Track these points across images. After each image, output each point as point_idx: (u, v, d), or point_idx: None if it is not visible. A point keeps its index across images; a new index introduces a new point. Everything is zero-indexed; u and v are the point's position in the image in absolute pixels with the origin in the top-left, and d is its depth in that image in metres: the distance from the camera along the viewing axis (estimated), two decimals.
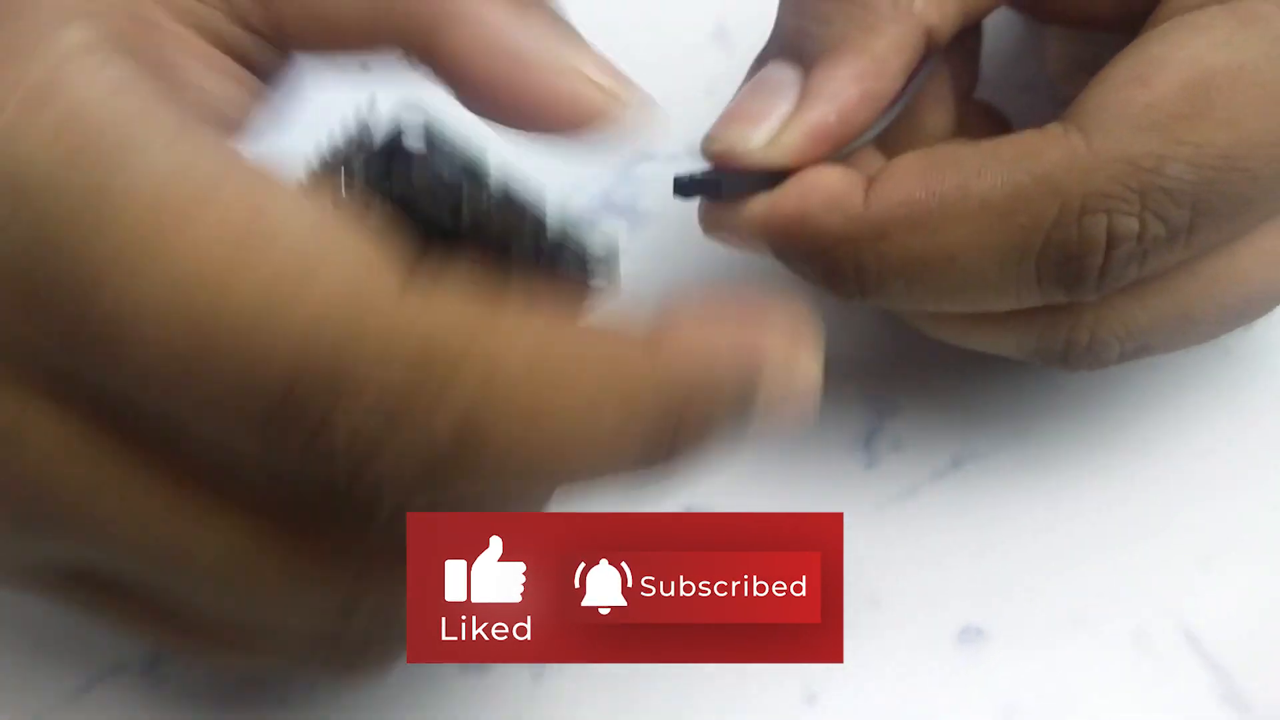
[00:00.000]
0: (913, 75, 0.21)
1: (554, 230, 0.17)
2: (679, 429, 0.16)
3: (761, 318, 0.17)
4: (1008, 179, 0.19)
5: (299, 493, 0.16)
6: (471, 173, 0.17)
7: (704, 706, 0.24)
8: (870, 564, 0.25)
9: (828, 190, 0.20)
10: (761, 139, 0.21)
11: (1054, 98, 0.26)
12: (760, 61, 0.22)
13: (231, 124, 0.19)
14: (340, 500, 0.16)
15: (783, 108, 0.21)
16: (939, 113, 0.23)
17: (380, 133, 0.17)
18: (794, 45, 0.21)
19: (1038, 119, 0.21)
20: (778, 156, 0.21)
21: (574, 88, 0.18)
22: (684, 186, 0.21)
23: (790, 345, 0.17)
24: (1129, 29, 0.21)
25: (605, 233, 0.18)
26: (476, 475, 0.15)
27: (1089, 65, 0.22)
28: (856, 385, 0.26)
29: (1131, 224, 0.19)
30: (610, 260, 0.18)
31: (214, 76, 0.18)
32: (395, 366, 0.14)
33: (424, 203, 0.16)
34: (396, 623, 0.17)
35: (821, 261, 0.21)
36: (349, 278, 0.15)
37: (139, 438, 0.16)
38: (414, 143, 0.16)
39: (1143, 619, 0.24)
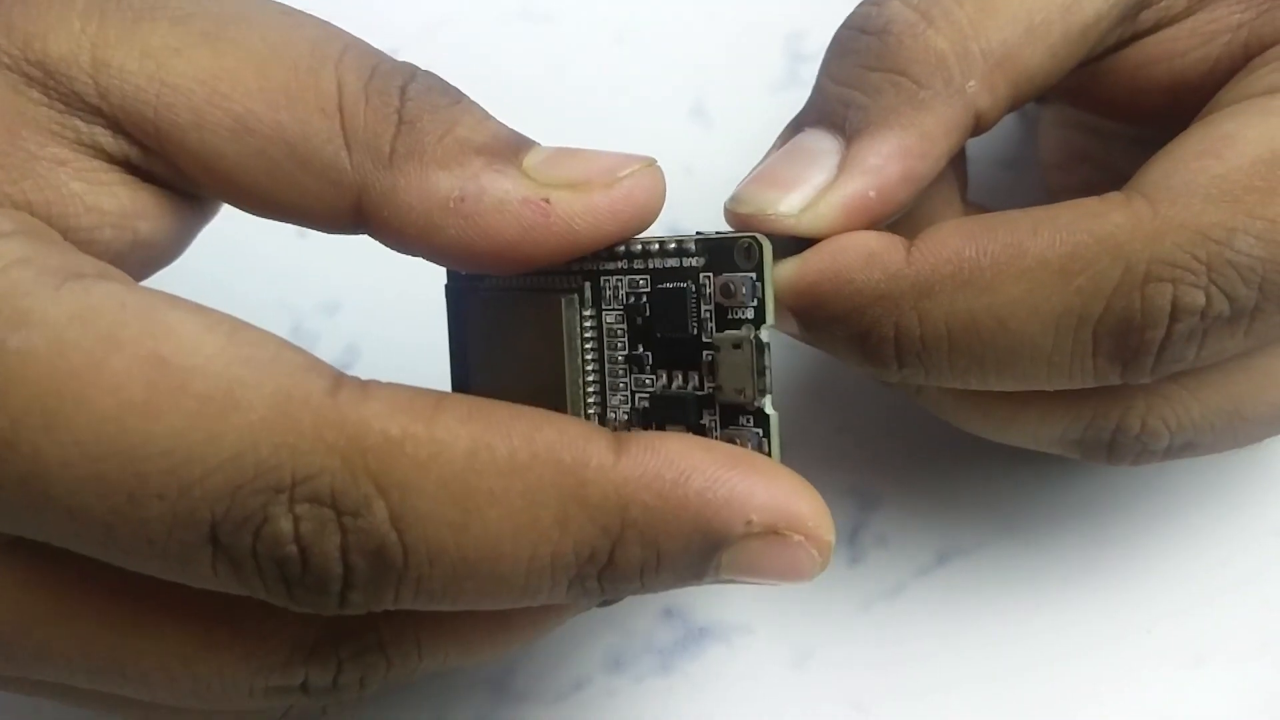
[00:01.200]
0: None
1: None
2: (615, 558, 0.16)
3: (756, 475, 0.16)
4: (1067, 238, 0.18)
5: (244, 590, 0.16)
6: None
7: None
8: (855, 666, 0.24)
9: (865, 246, 0.19)
10: (794, 205, 0.19)
11: (1046, 187, 0.26)
12: (795, 127, 0.21)
13: (147, 240, 0.18)
14: (288, 594, 0.15)
15: (819, 177, 0.20)
16: (946, 211, 0.22)
17: None
18: (836, 114, 0.20)
19: (1022, 199, 0.21)
20: (810, 224, 0.19)
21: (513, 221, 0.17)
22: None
23: (779, 518, 0.16)
24: (1172, 123, 0.20)
25: None
26: (416, 570, 0.15)
27: (1089, 156, 0.22)
28: (840, 478, 0.26)
29: (1197, 297, 0.18)
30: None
31: (106, 192, 0.17)
32: (334, 457, 0.15)
33: None
34: (350, 699, 0.17)
35: (857, 324, 0.19)
36: (277, 386, 0.15)
37: (71, 569, 0.16)
38: None
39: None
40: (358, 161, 0.17)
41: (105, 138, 0.17)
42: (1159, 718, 0.24)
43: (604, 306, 0.18)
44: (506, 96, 0.32)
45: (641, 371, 0.18)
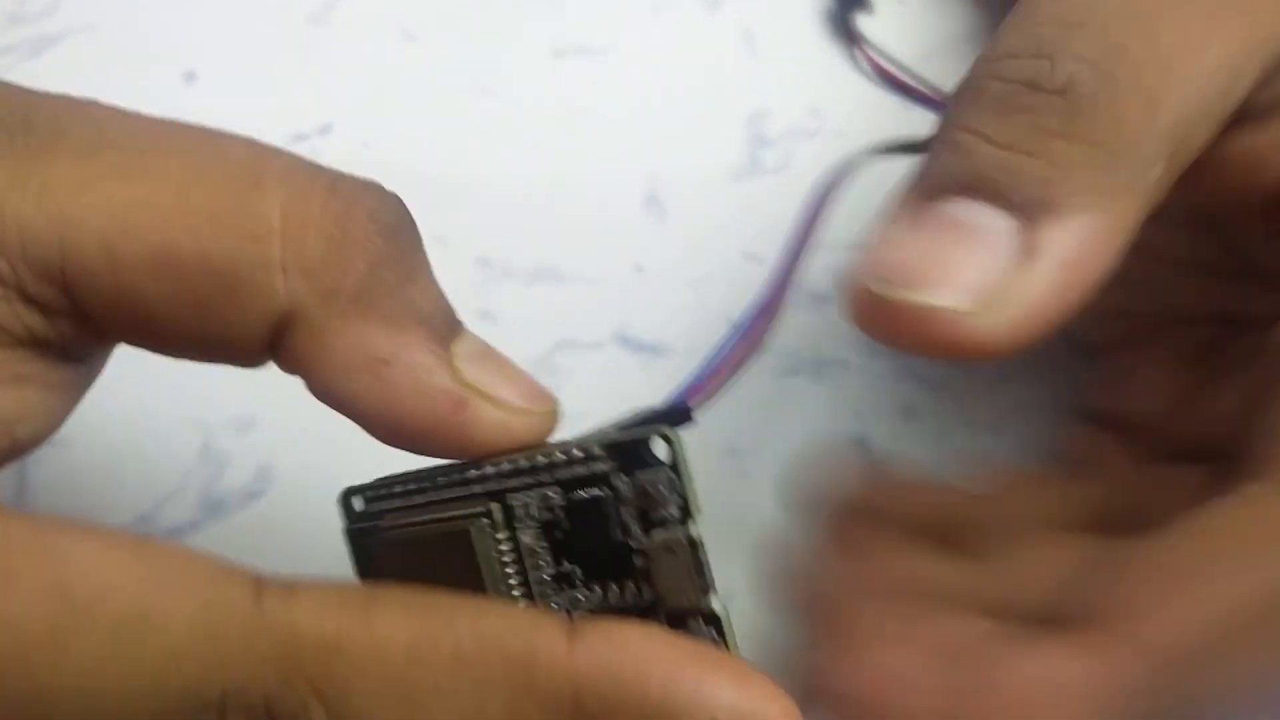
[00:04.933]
0: None
1: None
2: None
3: (716, 668, 0.15)
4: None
5: None
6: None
7: None
8: None
9: None
10: (966, 298, 0.16)
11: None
12: (925, 193, 0.17)
13: (24, 442, 0.17)
14: None
15: (993, 263, 0.16)
16: None
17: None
18: (1000, 185, 0.16)
19: None
20: (990, 326, 0.16)
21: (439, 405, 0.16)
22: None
23: (745, 710, 0.15)
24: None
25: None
26: None
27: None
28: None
29: None
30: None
31: None
32: (266, 665, 0.14)
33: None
34: None
35: None
36: (195, 602, 0.14)
37: None
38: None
39: None
40: (293, 289, 0.16)
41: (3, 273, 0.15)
42: None
43: (517, 526, 0.17)
44: (451, 173, 0.31)
45: (573, 588, 0.17)
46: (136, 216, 0.15)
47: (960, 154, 0.17)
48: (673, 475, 0.16)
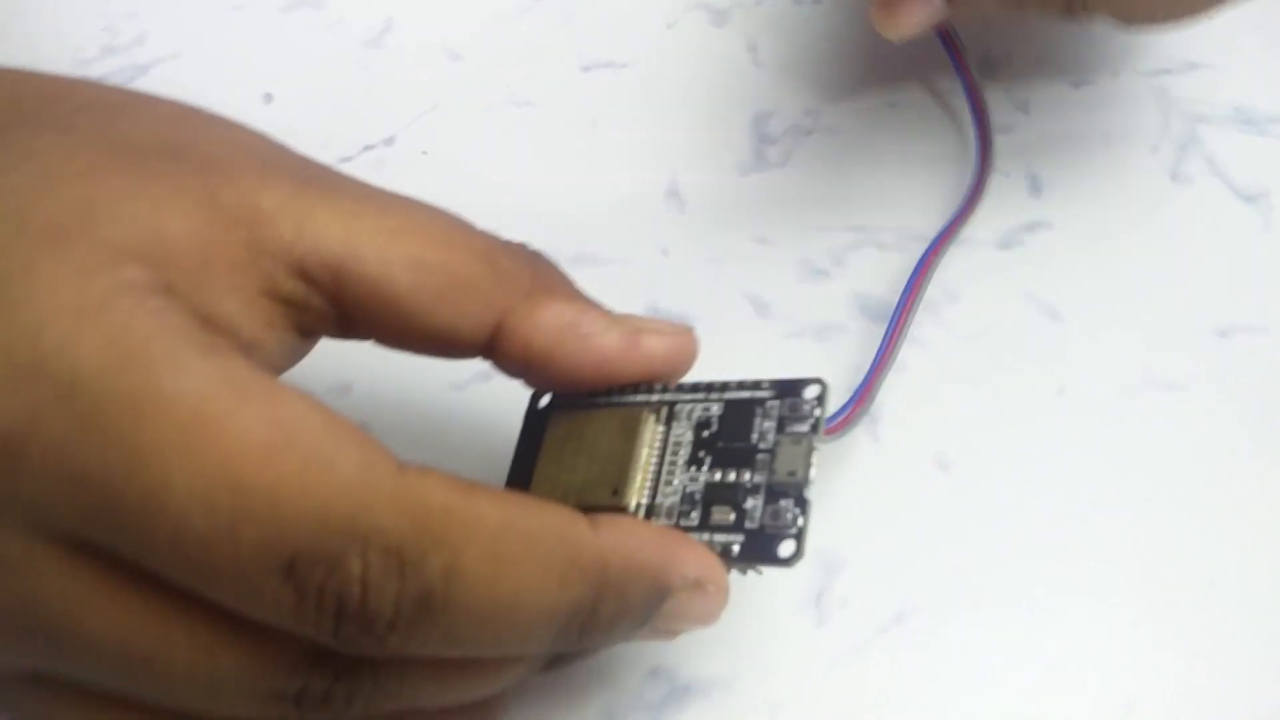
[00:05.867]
0: None
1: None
2: (596, 608, 0.20)
3: (685, 545, 0.22)
4: None
5: (289, 619, 0.18)
6: None
7: None
8: (820, 715, 0.26)
9: None
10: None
11: None
12: None
13: (267, 362, 0.21)
14: (334, 629, 0.18)
15: None
16: None
17: None
18: None
19: None
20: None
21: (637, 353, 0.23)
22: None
23: (703, 574, 0.21)
24: None
25: None
26: (450, 616, 0.18)
27: None
28: (810, 544, 0.28)
29: None
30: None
31: (261, 325, 0.21)
32: (404, 519, 0.18)
33: None
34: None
35: None
36: (361, 459, 0.18)
37: (136, 579, 0.18)
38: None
39: None
40: (504, 291, 0.22)
41: (283, 277, 0.21)
42: None
43: (674, 423, 0.23)
44: (499, 175, 0.35)
45: (698, 468, 0.23)
46: (401, 236, 0.21)
47: None
48: (815, 405, 0.22)
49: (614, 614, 0.20)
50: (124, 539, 0.18)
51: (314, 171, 0.22)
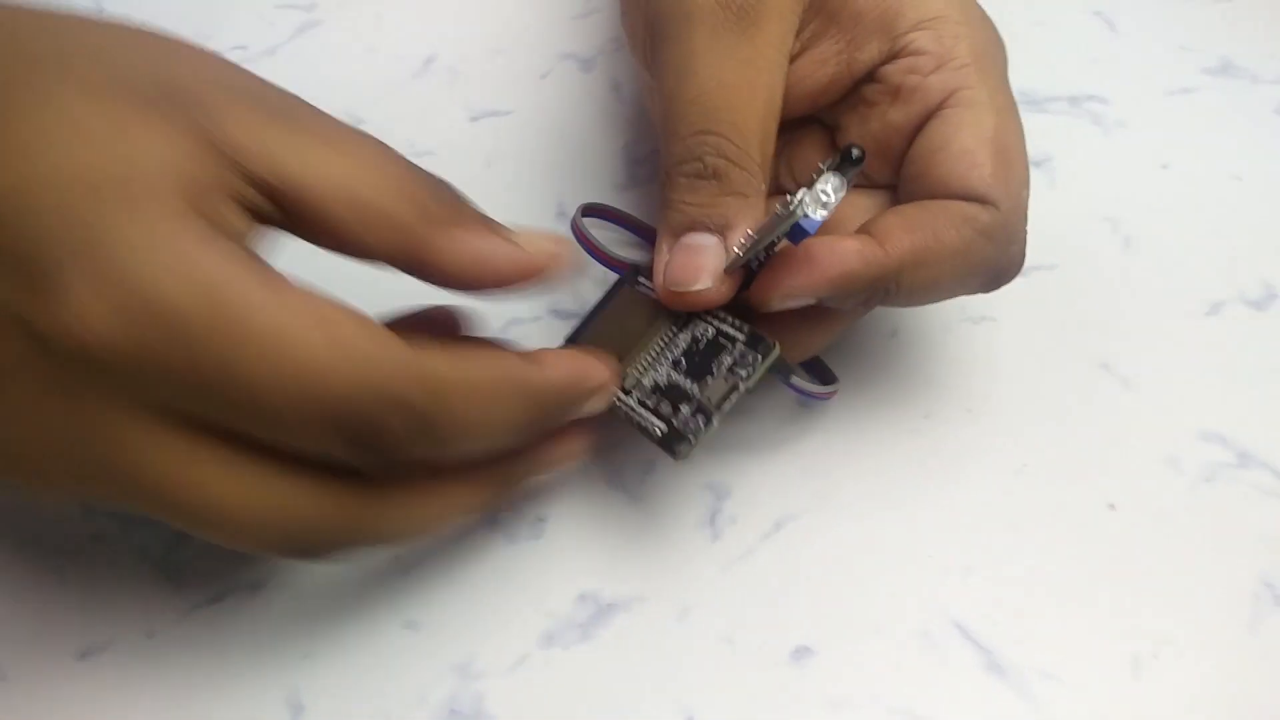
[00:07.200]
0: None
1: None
2: (546, 419, 0.28)
3: (592, 361, 0.29)
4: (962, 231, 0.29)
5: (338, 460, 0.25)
6: None
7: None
8: (721, 610, 0.31)
9: (852, 249, 0.29)
10: (710, 282, 0.29)
11: None
12: (672, 234, 0.30)
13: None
14: (369, 462, 0.25)
15: (715, 260, 0.29)
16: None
17: None
18: (704, 223, 0.29)
19: None
20: (722, 290, 0.29)
21: (524, 262, 0.27)
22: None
23: (604, 379, 0.29)
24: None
25: None
26: (452, 443, 0.25)
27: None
28: (701, 478, 0.33)
29: None
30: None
31: (247, 228, 0.25)
32: (425, 383, 0.25)
33: None
34: (382, 461, 0.25)
35: (860, 296, 0.29)
36: (386, 338, 0.24)
37: (220, 435, 0.24)
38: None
39: (924, 620, 0.31)
40: (423, 226, 0.26)
41: (251, 194, 0.25)
42: (944, 616, 0.32)
43: (680, 331, 0.30)
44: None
45: (674, 370, 0.29)
46: (347, 180, 0.25)
47: (679, 214, 0.30)
48: (759, 361, 0.28)
49: (555, 415, 0.28)
50: (214, 406, 0.23)
51: (276, 103, 0.26)
